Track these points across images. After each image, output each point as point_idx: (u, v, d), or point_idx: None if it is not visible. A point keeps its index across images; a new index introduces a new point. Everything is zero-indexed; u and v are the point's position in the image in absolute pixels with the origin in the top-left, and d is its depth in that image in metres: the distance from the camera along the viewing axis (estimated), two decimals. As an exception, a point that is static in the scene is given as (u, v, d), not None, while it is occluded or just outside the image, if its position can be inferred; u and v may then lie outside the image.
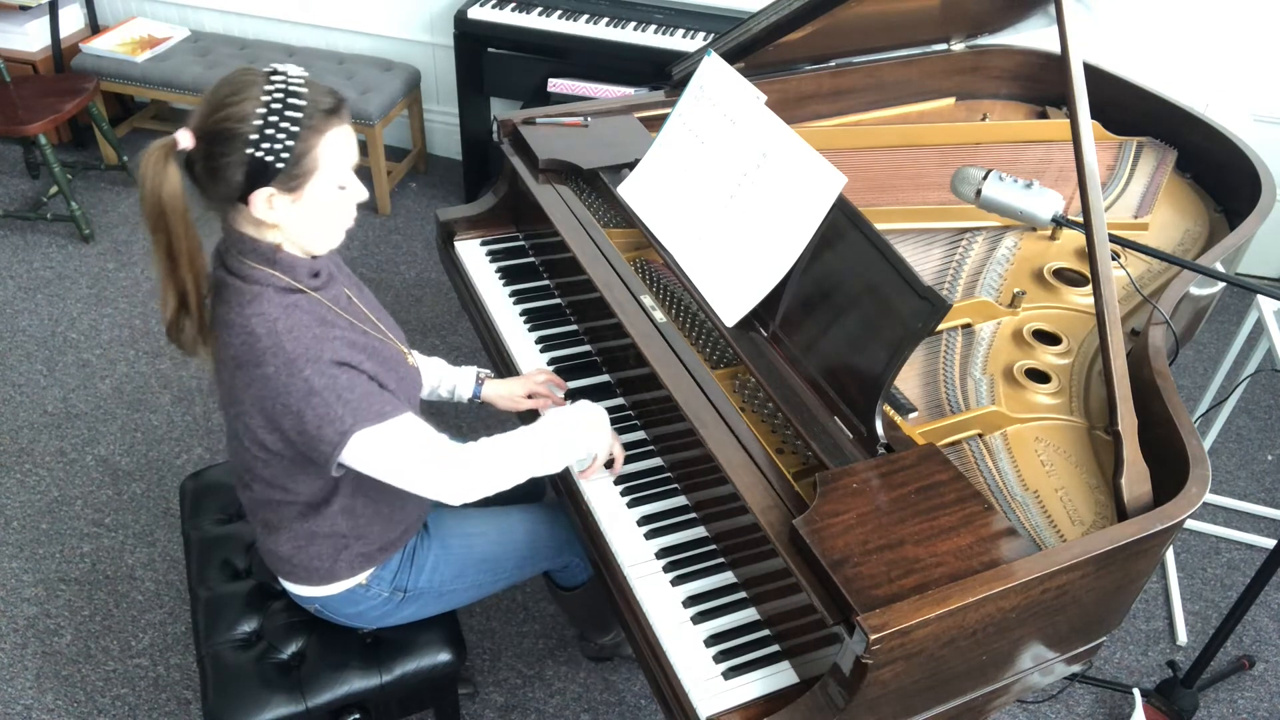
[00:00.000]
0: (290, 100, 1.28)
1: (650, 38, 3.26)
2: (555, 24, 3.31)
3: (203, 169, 1.30)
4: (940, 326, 1.78)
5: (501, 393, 1.81)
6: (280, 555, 1.57)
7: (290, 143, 1.28)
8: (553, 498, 1.76)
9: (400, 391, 1.46)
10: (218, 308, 1.37)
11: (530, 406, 1.81)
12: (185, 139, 1.28)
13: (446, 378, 1.81)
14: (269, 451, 1.42)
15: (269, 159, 1.27)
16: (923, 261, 1.97)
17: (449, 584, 1.68)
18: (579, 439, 1.56)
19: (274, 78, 1.29)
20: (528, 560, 1.77)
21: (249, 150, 1.27)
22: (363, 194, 1.42)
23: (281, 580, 1.64)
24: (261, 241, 1.36)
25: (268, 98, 1.27)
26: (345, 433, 1.34)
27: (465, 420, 2.86)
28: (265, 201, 1.31)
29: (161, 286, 1.35)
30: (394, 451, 1.40)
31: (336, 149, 1.34)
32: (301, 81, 1.30)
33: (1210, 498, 2.77)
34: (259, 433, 1.39)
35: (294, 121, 1.28)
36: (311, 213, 1.36)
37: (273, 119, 1.27)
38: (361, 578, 1.60)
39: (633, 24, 3.30)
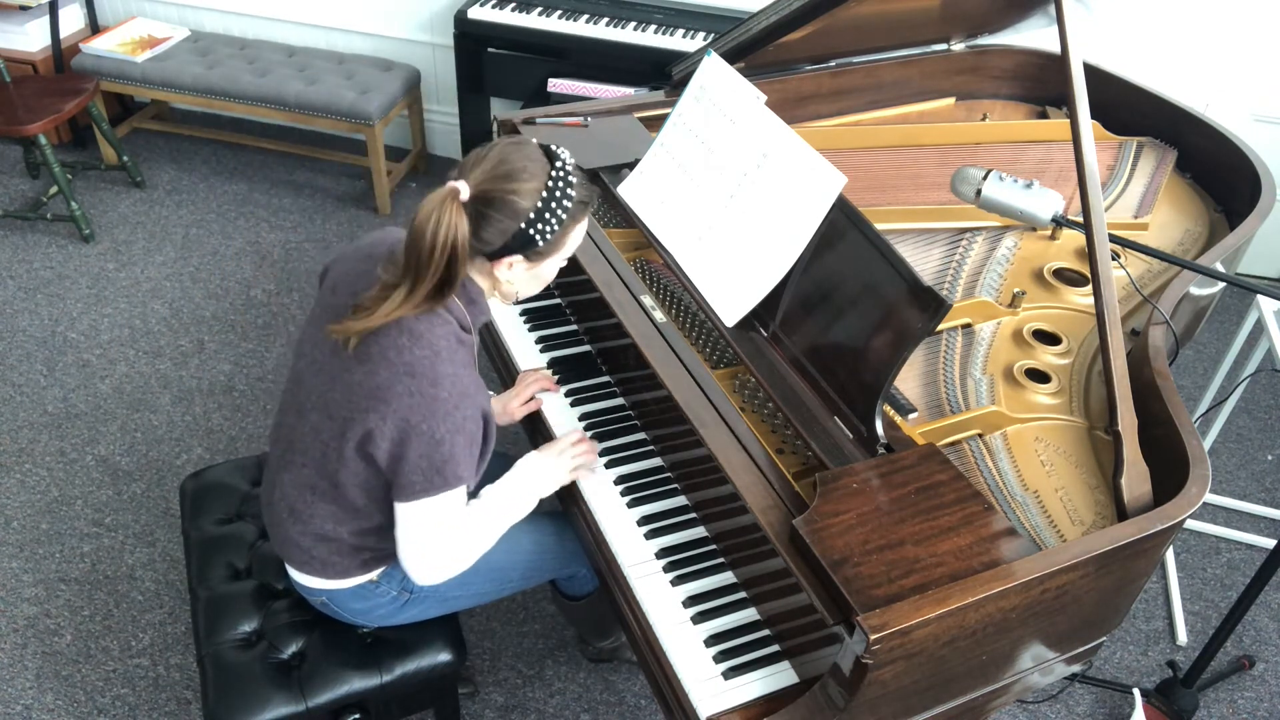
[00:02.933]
0: (568, 190, 1.41)
1: (650, 38, 3.26)
2: (555, 24, 3.31)
3: (469, 222, 1.37)
4: (940, 326, 1.78)
5: (497, 410, 1.83)
6: (299, 545, 1.57)
7: (557, 227, 1.41)
8: (557, 505, 1.76)
9: (491, 433, 1.52)
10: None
11: (526, 413, 1.82)
12: (465, 192, 1.36)
13: None
14: (361, 454, 1.42)
15: (535, 236, 1.40)
16: (923, 261, 1.97)
17: (454, 590, 1.68)
18: (531, 496, 1.62)
19: (557, 163, 1.41)
20: (534, 570, 1.77)
21: (522, 225, 1.38)
22: (565, 261, 1.53)
23: (290, 570, 1.64)
24: (474, 284, 1.48)
25: (551, 183, 1.39)
26: (458, 478, 1.41)
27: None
28: (508, 264, 1.43)
29: (406, 300, 1.37)
30: (449, 515, 1.45)
31: (579, 236, 1.49)
32: (574, 169, 1.43)
33: (1210, 498, 2.77)
34: (374, 437, 1.39)
35: (565, 210, 1.41)
36: (534, 278, 1.49)
37: (552, 204, 1.39)
38: (373, 574, 1.61)
39: (633, 24, 3.30)
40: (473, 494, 1.57)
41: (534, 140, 1.44)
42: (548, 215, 1.39)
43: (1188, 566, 2.60)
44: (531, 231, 1.39)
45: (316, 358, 1.49)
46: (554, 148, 1.44)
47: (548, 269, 1.49)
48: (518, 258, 1.42)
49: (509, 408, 1.81)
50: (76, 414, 2.81)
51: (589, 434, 1.75)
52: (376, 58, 3.81)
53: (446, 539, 1.48)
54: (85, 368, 2.97)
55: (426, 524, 1.45)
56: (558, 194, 1.39)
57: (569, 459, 1.66)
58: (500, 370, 2.00)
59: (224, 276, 3.37)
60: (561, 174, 1.40)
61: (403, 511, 1.44)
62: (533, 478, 1.62)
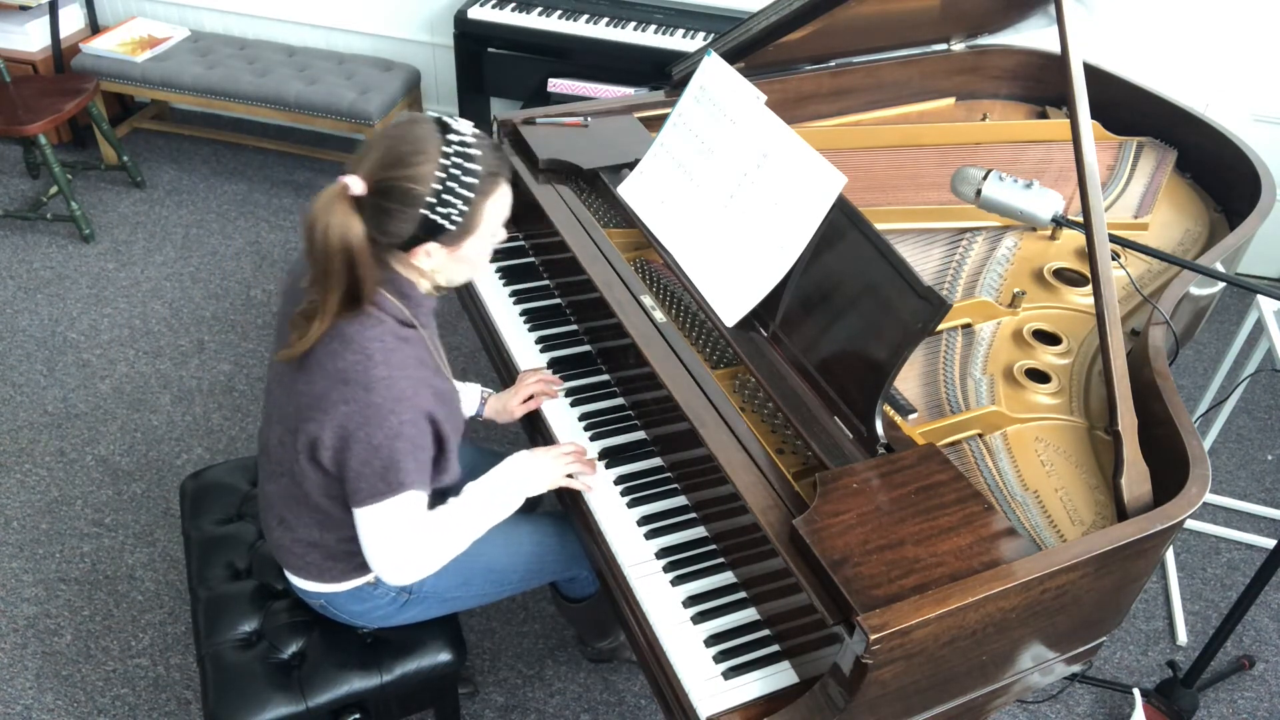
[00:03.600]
0: (467, 165, 1.31)
1: (650, 38, 3.26)
2: (555, 24, 3.31)
3: (370, 217, 1.32)
4: (940, 326, 1.78)
5: (498, 408, 1.83)
6: (291, 551, 1.57)
7: (464, 207, 1.33)
8: (558, 507, 1.76)
9: (454, 434, 1.49)
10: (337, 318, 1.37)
11: (525, 412, 1.82)
12: (357, 186, 1.30)
13: None
14: (313, 462, 1.42)
15: (441, 220, 1.32)
16: (923, 261, 1.97)
17: (454, 590, 1.68)
18: (517, 494, 1.58)
19: (450, 137, 1.32)
20: (534, 572, 1.76)
21: (423, 211, 1.31)
22: (503, 236, 1.46)
23: (287, 574, 1.64)
24: (401, 277, 1.42)
25: (446, 161, 1.30)
26: (402, 484, 1.38)
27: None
28: (425, 253, 1.37)
29: (324, 312, 1.33)
30: (407, 518, 1.42)
31: (498, 209, 1.40)
32: (474, 142, 1.33)
33: (1210, 498, 2.77)
34: (318, 446, 1.38)
35: (468, 187, 1.32)
36: (460, 262, 1.42)
37: (450, 184, 1.31)
38: (370, 576, 1.61)
39: (633, 24, 3.30)
40: (455, 491, 1.57)
41: (429, 115, 1.36)
42: (448, 197, 1.30)
43: (1188, 566, 2.60)
44: (435, 216, 1.31)
45: (277, 368, 1.49)
46: (449, 120, 1.35)
47: (471, 251, 1.40)
48: (433, 245, 1.35)
49: (509, 407, 1.81)
50: (76, 414, 2.81)
51: (589, 434, 1.75)
52: (376, 58, 3.80)
53: (411, 540, 1.45)
54: (85, 368, 2.97)
55: (384, 528, 1.42)
56: (454, 170, 1.30)
57: (564, 464, 1.63)
58: (500, 370, 1.99)
59: (224, 276, 3.37)
60: (457, 149, 1.31)
61: (359, 516, 1.43)
62: (521, 475, 1.59)
